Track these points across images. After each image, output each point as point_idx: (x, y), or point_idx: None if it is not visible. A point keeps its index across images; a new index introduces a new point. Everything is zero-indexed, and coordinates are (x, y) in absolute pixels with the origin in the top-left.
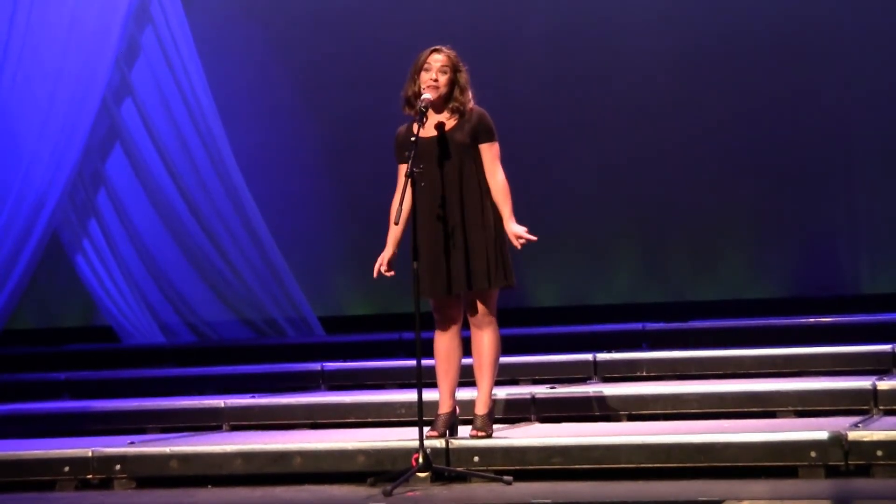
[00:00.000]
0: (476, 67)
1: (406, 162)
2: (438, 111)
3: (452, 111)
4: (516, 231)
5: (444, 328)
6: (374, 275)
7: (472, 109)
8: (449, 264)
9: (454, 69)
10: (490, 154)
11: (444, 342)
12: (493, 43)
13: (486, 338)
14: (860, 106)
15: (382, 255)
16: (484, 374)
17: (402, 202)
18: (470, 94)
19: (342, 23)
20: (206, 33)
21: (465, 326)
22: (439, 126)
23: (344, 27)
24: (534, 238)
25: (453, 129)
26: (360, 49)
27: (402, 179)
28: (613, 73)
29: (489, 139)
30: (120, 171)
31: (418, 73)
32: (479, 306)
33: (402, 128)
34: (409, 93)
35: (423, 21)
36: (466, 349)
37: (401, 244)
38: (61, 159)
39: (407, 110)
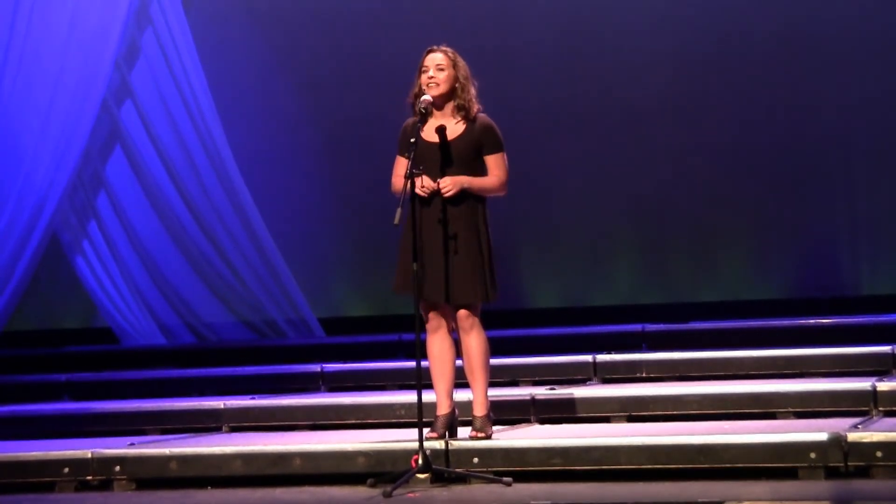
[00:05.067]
0: (476, 69)
1: (405, 154)
2: (441, 110)
3: (457, 109)
4: (445, 181)
5: (434, 330)
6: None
7: (477, 115)
8: (443, 271)
9: (452, 65)
10: (494, 164)
11: (436, 344)
12: (494, 45)
13: (473, 340)
14: (860, 107)
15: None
16: (476, 377)
17: (402, 204)
18: (473, 91)
19: (342, 25)
20: (206, 35)
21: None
22: (441, 130)
23: (344, 29)
24: (431, 187)
25: (458, 137)
26: (359, 51)
27: (399, 169)
28: (613, 75)
29: (496, 150)
30: (120, 173)
31: (419, 76)
32: (463, 311)
33: (410, 120)
34: (412, 96)
35: (423, 23)
36: (459, 349)
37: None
38: (61, 161)
39: (414, 113)
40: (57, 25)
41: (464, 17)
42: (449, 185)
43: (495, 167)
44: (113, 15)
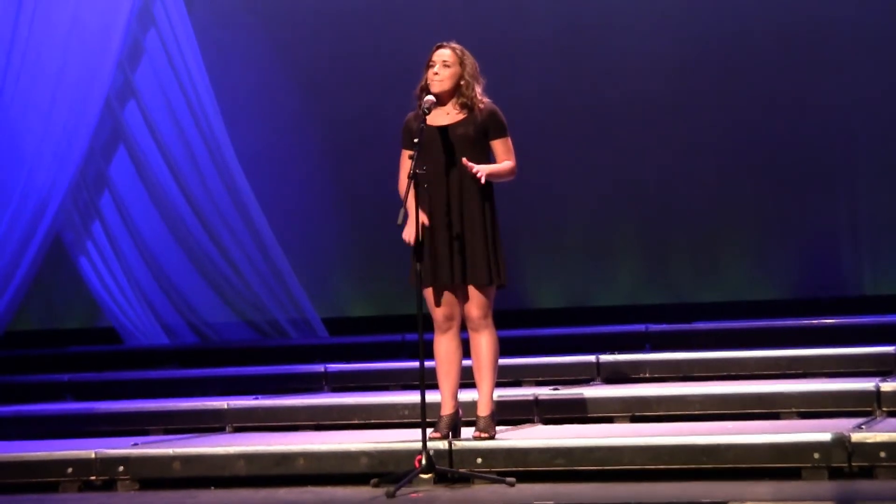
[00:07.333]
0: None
1: (410, 147)
2: (445, 105)
3: (461, 106)
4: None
5: (443, 330)
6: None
7: (481, 106)
8: (449, 257)
9: (459, 62)
10: (502, 149)
11: (444, 344)
12: (496, 44)
13: (483, 340)
14: (862, 107)
15: (409, 230)
16: (484, 377)
17: (405, 203)
18: (479, 89)
19: (345, 24)
20: (209, 34)
21: (464, 328)
22: (443, 129)
23: (347, 28)
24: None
25: (457, 124)
26: (362, 50)
27: (405, 163)
28: (615, 75)
29: (501, 135)
30: (123, 173)
31: (426, 70)
32: (476, 309)
33: (411, 114)
34: (419, 90)
35: (425, 23)
36: (466, 350)
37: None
38: (64, 161)
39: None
40: (59, 25)
41: (465, 16)
42: (482, 170)
43: (504, 152)
44: (116, 14)
